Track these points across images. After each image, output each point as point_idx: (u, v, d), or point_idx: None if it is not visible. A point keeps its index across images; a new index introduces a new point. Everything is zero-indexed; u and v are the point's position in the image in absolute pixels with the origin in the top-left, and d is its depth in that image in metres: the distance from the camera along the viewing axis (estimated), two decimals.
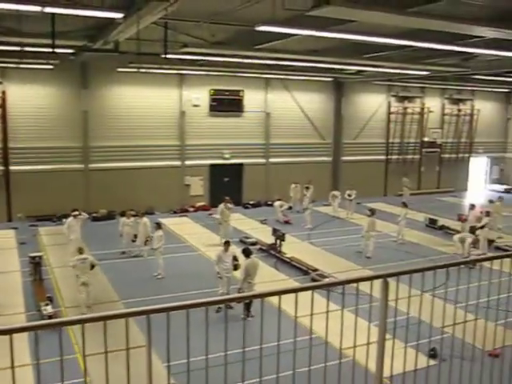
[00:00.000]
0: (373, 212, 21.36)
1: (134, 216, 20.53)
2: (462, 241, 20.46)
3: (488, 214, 22.25)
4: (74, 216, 19.50)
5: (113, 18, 12.51)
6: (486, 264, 5.15)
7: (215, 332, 4.15)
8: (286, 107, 31.27)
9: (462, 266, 4.79)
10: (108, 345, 3.21)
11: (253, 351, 4.35)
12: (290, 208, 27.73)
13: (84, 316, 3.05)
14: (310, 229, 24.83)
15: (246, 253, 14.38)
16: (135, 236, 19.91)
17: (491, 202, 26.48)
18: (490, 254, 16.13)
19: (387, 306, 4.05)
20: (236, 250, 16.16)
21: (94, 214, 25.78)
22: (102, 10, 11.41)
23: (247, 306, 13.39)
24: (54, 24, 13.98)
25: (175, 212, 28.21)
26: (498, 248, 21.28)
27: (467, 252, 19.93)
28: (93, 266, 14.99)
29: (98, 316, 2.88)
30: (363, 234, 20.91)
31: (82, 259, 14.74)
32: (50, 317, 13.30)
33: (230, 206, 22.76)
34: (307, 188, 27.44)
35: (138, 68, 15.78)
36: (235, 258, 14.87)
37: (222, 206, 22.37)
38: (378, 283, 4.01)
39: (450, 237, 22.96)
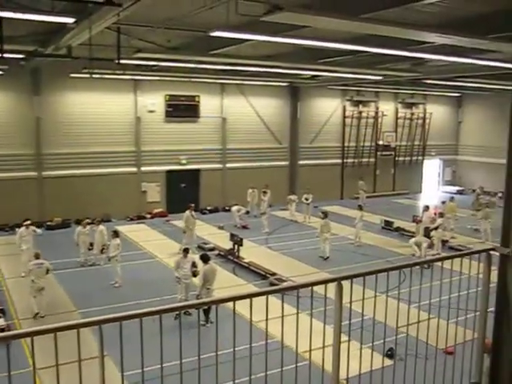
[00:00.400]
0: (326, 214, 21.64)
1: (89, 224, 20.17)
2: (418, 244, 20.92)
3: (441, 215, 22.77)
4: (26, 226, 19.00)
5: (64, 23, 12.29)
6: (439, 264, 5.25)
7: (172, 339, 4.10)
8: (243, 112, 31.33)
9: (417, 266, 4.88)
10: (66, 356, 3.14)
11: (210, 358, 4.32)
12: (248, 213, 27.75)
13: (34, 328, 2.94)
14: (268, 233, 24.91)
15: (204, 259, 14.39)
16: (91, 244, 19.56)
17: (443, 202, 27.13)
18: (443, 254, 16.52)
19: (342, 309, 4.09)
20: (195, 256, 16.08)
21: (49, 223, 25.26)
22: (53, 14, 11.16)
23: (206, 312, 13.33)
24: (1, 28, 13.62)
25: (132, 219, 27.86)
26: (451, 248, 21.78)
27: (424, 255, 20.36)
28: (48, 271, 14.96)
29: (48, 328, 2.81)
30: (318, 234, 21.27)
31: (38, 264, 14.63)
32: (3, 330, 12.92)
33: (194, 212, 22.47)
34: (265, 192, 27.53)
35: (91, 74, 15.51)
36: (194, 265, 14.79)
37: (187, 212, 21.87)
38: (333, 286, 4.05)
39: (406, 238, 23.46)
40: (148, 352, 3.58)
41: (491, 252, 5.30)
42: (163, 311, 3.18)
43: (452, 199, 27.48)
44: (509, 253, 5.08)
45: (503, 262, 5.22)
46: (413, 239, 21.35)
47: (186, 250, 15.21)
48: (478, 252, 5.39)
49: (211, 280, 14.06)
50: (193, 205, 22.81)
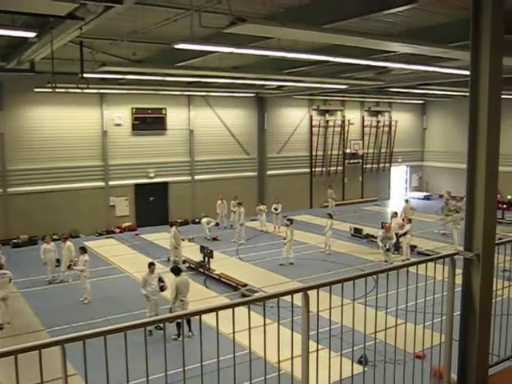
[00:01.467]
0: (291, 221, 21.98)
1: (54, 240, 19.82)
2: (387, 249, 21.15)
3: (410, 221, 23.07)
4: None
5: (26, 37, 12.14)
6: (411, 269, 5.32)
7: (139, 355, 4.04)
8: (210, 124, 31.31)
9: (381, 274, 4.92)
10: (33, 377, 3.06)
11: (179, 373, 4.27)
12: (218, 224, 27.67)
13: None
14: (239, 244, 24.87)
15: (175, 271, 14.25)
16: (58, 261, 19.22)
17: (407, 201, 28.05)
18: (412, 259, 16.71)
19: (309, 318, 4.10)
20: (164, 270, 15.96)
21: (15, 240, 24.77)
22: (13, 28, 11.00)
23: (178, 326, 13.19)
24: None
25: (101, 234, 27.50)
26: (420, 253, 22.06)
27: (390, 261, 20.63)
28: (10, 280, 15.37)
29: (7, 351, 2.74)
30: (286, 242, 21.44)
31: (1, 274, 14.80)
32: None
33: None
34: (239, 204, 27.40)
35: (54, 88, 15.33)
36: (161, 280, 14.65)
37: (174, 229, 21.09)
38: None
39: (376, 245, 23.65)
40: (117, 368, 3.53)
41: (455, 256, 5.39)
42: (127, 328, 3.14)
43: (407, 201, 28.71)
44: (472, 257, 5.17)
45: (467, 265, 5.31)
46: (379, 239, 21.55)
47: (151, 264, 14.90)
48: (443, 257, 5.48)
49: (184, 292, 13.91)
50: (179, 220, 22.53)
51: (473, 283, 5.24)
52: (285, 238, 21.55)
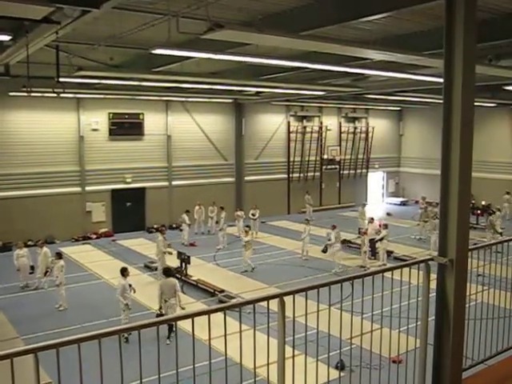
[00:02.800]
0: (249, 227, 22.92)
1: (30, 246, 19.54)
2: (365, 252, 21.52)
3: (386, 226, 23.26)
4: None
5: (0, 41, 11.99)
6: (387, 274, 5.37)
7: (116, 362, 4.01)
8: (188, 129, 31.24)
9: (357, 279, 4.96)
10: None
11: (152, 382, 4.25)
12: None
13: None
14: (217, 249, 24.82)
15: (165, 273, 15.17)
16: (32, 267, 18.95)
17: (389, 214, 28.03)
18: (389, 265, 16.86)
19: (285, 324, 4.11)
20: (142, 276, 15.86)
21: None
22: None
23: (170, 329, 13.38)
24: None
25: (77, 240, 27.21)
26: (396, 258, 22.26)
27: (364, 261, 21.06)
28: None
29: None
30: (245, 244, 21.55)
31: None
32: None
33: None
34: (222, 208, 27.31)
35: (29, 92, 15.16)
36: (130, 285, 14.81)
37: (160, 235, 20.74)
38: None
39: (353, 250, 23.84)
40: (92, 376, 3.49)
41: (430, 262, 5.46)
42: (102, 335, 3.11)
43: (364, 206, 30.14)
44: (446, 262, 5.25)
45: (441, 271, 5.38)
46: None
47: (124, 271, 14.84)
48: (417, 262, 5.54)
49: (167, 293, 14.22)
50: (164, 227, 22.35)
51: (447, 288, 5.31)
52: (246, 242, 21.39)
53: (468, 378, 5.78)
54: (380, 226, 23.94)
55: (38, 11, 8.24)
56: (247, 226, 22.54)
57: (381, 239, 22.27)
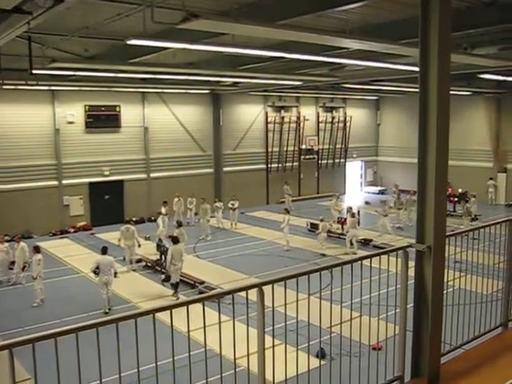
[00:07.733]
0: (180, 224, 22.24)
1: (7, 241, 19.29)
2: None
3: (353, 215, 23.33)
4: None
5: None
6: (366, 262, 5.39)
7: (94, 355, 3.98)
8: (165, 121, 31.01)
9: (335, 268, 4.98)
10: None
11: (130, 375, 4.22)
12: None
13: None
14: (201, 239, 24.76)
15: (173, 240, 17.31)
16: (12, 263, 18.71)
17: (367, 203, 28.30)
18: (368, 253, 16.99)
19: (264, 314, 4.11)
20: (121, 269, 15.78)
21: None
22: None
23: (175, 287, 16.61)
24: None
25: (55, 234, 26.91)
26: (375, 246, 22.44)
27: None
28: None
29: None
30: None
31: None
32: None
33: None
34: (203, 199, 27.12)
35: (1, 85, 14.89)
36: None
37: (131, 226, 21.16)
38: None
39: (332, 240, 23.98)
40: (71, 370, 3.45)
41: (408, 249, 5.50)
42: (79, 329, 3.08)
43: (338, 197, 30.52)
44: (424, 249, 5.29)
45: (419, 258, 5.43)
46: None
47: (105, 249, 16.42)
48: (395, 250, 5.58)
49: (176, 258, 16.70)
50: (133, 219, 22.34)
51: (425, 275, 5.36)
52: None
53: (446, 362, 5.85)
54: (347, 212, 24.15)
55: (9, 1, 8.08)
56: (177, 222, 21.77)
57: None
